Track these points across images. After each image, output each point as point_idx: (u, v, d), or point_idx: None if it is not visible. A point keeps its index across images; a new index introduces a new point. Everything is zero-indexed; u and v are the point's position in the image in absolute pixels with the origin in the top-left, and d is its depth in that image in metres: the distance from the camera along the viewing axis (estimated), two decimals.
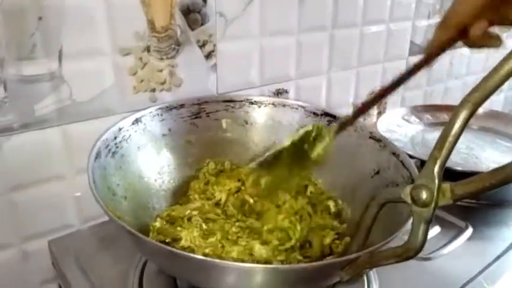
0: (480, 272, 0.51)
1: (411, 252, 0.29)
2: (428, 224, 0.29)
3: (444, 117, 0.87)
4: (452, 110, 0.88)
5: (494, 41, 0.39)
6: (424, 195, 0.28)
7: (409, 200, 0.29)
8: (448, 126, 0.28)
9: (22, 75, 0.50)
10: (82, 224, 0.59)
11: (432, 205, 0.28)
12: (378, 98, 0.47)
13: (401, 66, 0.94)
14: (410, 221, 0.36)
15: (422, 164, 0.56)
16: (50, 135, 0.54)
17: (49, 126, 0.53)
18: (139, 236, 0.35)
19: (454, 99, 1.04)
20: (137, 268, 0.49)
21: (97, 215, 0.59)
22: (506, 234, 0.59)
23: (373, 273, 0.49)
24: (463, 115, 0.28)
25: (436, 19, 0.95)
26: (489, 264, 0.52)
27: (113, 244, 0.53)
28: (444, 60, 1.03)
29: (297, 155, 0.51)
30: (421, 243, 0.29)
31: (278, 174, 0.52)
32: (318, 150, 0.50)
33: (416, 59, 0.95)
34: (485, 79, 0.27)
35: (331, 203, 0.53)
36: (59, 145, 0.55)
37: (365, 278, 0.48)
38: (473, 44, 0.39)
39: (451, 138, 0.28)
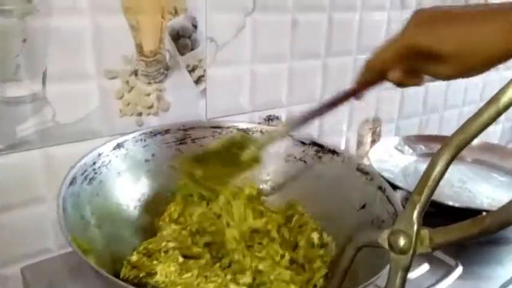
0: None
1: None
2: (406, 271, 0.27)
3: (438, 148, 0.86)
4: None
5: (414, 83, 0.43)
6: (402, 241, 0.27)
7: (386, 246, 0.28)
8: (428, 169, 0.26)
9: (4, 96, 0.49)
10: (59, 249, 0.57)
11: (411, 252, 0.27)
12: (307, 119, 0.50)
13: (395, 96, 0.93)
14: (387, 267, 0.35)
15: None
16: (32, 158, 0.53)
17: (31, 148, 0.52)
18: (106, 275, 0.34)
19: (450, 129, 1.03)
20: None
21: None
22: (498, 272, 0.57)
23: None
24: (444, 158, 0.27)
25: None
26: None
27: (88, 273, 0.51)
28: (440, 89, 1.02)
29: (227, 156, 0.53)
30: None
31: (211, 168, 0.52)
32: (249, 151, 0.52)
33: (411, 88, 0.94)
34: (470, 121, 0.26)
35: (315, 235, 0.51)
36: (40, 168, 0.54)
37: None
38: (395, 85, 0.44)
39: (431, 183, 0.26)
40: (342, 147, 0.85)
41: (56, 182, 0.54)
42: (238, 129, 0.59)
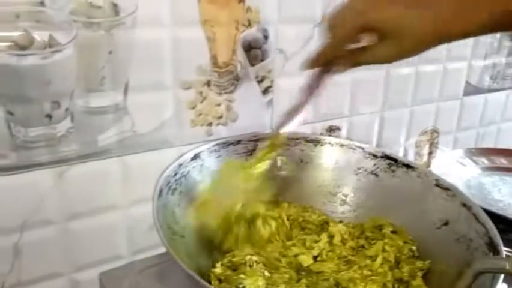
0: None
1: None
2: None
3: (502, 161, 0.83)
4: (509, 155, 0.83)
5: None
6: None
7: None
8: None
9: (89, 106, 0.51)
10: (131, 256, 0.59)
11: None
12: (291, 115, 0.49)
13: (455, 107, 0.91)
14: None
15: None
16: (110, 166, 0.54)
17: (110, 156, 0.54)
18: (205, 284, 0.34)
19: (507, 142, 1.00)
20: None
21: (147, 247, 0.59)
22: None
23: None
24: None
25: (492, 60, 0.93)
26: None
27: (165, 279, 0.52)
28: (499, 101, 0.99)
29: None
30: None
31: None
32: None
33: (470, 99, 0.92)
34: None
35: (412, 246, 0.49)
36: (117, 175, 0.55)
37: None
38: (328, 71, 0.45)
39: None
40: None
41: (130, 189, 0.56)
42: (308, 141, 0.59)
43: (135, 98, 0.53)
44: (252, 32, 0.59)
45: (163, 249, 0.56)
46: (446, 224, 0.48)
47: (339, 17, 0.40)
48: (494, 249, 0.40)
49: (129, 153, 0.55)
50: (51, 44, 0.46)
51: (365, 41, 0.41)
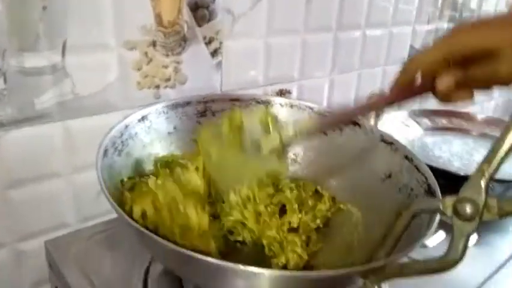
0: (488, 278, 0.51)
1: (448, 265, 0.28)
2: (469, 237, 0.28)
3: (442, 122, 0.88)
4: (451, 116, 0.88)
5: (464, 97, 0.38)
6: (469, 209, 0.27)
7: (449, 213, 0.29)
8: (498, 139, 0.27)
9: (23, 66, 0.47)
10: (78, 223, 0.57)
11: (477, 220, 0.27)
12: (336, 122, 0.48)
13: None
14: (432, 230, 0.36)
15: None
16: (50, 131, 0.51)
17: (49, 121, 0.51)
18: (153, 237, 0.33)
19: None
20: (141, 269, 0.47)
21: (95, 214, 0.57)
22: (510, 240, 0.60)
23: None
24: None
25: (435, 25, 0.96)
26: (496, 270, 0.52)
27: (114, 245, 0.51)
28: None
29: (247, 139, 0.47)
30: (461, 257, 0.28)
31: (228, 152, 0.47)
32: (271, 140, 0.46)
33: None
34: None
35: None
36: (58, 141, 0.52)
37: None
38: (441, 99, 0.39)
39: (501, 153, 0.27)
40: None
41: (73, 156, 0.54)
42: (258, 102, 0.59)
43: (75, 59, 0.50)
44: None
45: (111, 216, 0.56)
46: (389, 176, 0.50)
47: (423, 49, 0.39)
48: (432, 195, 0.42)
49: (71, 117, 0.52)
50: None
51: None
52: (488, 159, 0.27)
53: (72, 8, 0.48)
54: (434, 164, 0.66)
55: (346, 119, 0.46)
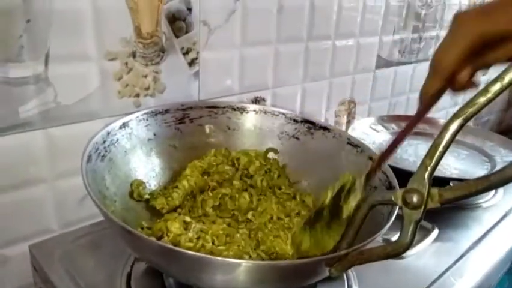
0: (448, 269, 0.55)
1: (401, 249, 0.32)
2: (417, 224, 0.32)
3: None
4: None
5: (474, 85, 0.41)
6: (415, 198, 0.31)
7: (400, 203, 0.32)
8: (438, 137, 0.31)
9: (8, 77, 0.49)
10: (62, 228, 0.58)
11: (422, 208, 0.31)
12: (394, 146, 0.46)
13: (368, 79, 0.99)
14: (391, 220, 0.40)
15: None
16: (33, 138, 0.53)
17: (33, 129, 0.53)
18: (138, 234, 0.36)
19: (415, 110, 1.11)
20: (124, 270, 0.49)
21: (77, 219, 0.59)
22: (469, 234, 0.65)
23: (351, 271, 0.52)
24: (452, 127, 0.31)
25: (400, 35, 1.02)
26: (455, 262, 0.57)
27: (97, 247, 0.53)
28: (406, 73, 1.10)
29: (334, 210, 0.44)
30: (410, 241, 0.32)
31: (318, 235, 0.45)
32: (351, 205, 0.42)
33: (381, 72, 1.01)
34: (477, 96, 0.30)
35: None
36: (41, 148, 0.54)
37: (344, 274, 0.51)
38: (458, 89, 0.41)
39: (441, 148, 0.31)
40: None
41: (56, 162, 0.56)
42: (234, 109, 0.62)
43: (57, 69, 0.52)
44: (175, 4, 0.60)
45: (94, 221, 0.58)
46: None
47: (441, 47, 0.40)
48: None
49: (54, 125, 0.54)
50: None
51: None
52: (430, 154, 0.31)
53: (55, 20, 0.50)
54: (399, 166, 0.71)
55: (397, 145, 0.45)
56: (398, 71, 1.06)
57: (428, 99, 0.42)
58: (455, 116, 0.30)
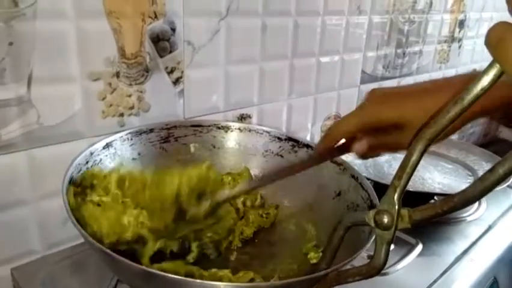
0: (432, 283, 0.56)
1: (374, 270, 0.32)
2: (389, 245, 0.32)
3: None
4: None
5: (374, 156, 0.49)
6: (386, 219, 0.32)
7: (372, 224, 0.33)
8: (405, 158, 0.31)
9: None
10: (45, 250, 0.58)
11: (393, 228, 0.32)
12: (270, 179, 0.53)
13: (353, 94, 1.00)
14: (371, 240, 0.41)
15: (375, 185, 0.60)
16: (16, 160, 0.53)
17: (15, 150, 0.53)
18: (117, 257, 0.36)
19: None
20: None
21: (61, 240, 0.59)
22: (452, 248, 0.65)
23: None
24: (418, 149, 0.31)
25: (384, 51, 1.04)
26: (440, 276, 0.57)
27: (81, 269, 0.53)
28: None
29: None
30: (383, 262, 0.32)
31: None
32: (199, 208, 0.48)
33: (366, 87, 1.02)
34: (439, 117, 0.31)
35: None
36: (24, 169, 0.54)
37: None
38: (358, 156, 0.47)
39: (408, 169, 0.31)
40: None
41: (39, 184, 0.56)
42: (219, 127, 0.63)
43: (40, 90, 0.53)
44: (159, 24, 0.61)
45: (77, 242, 0.57)
46: (339, 194, 0.55)
47: (343, 119, 0.46)
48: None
49: (37, 146, 0.54)
50: None
51: None
52: (398, 175, 0.32)
53: (38, 42, 0.51)
54: (384, 181, 0.72)
55: (278, 178, 0.52)
56: (383, 85, 1.08)
57: (319, 154, 0.50)
58: (419, 138, 0.31)
